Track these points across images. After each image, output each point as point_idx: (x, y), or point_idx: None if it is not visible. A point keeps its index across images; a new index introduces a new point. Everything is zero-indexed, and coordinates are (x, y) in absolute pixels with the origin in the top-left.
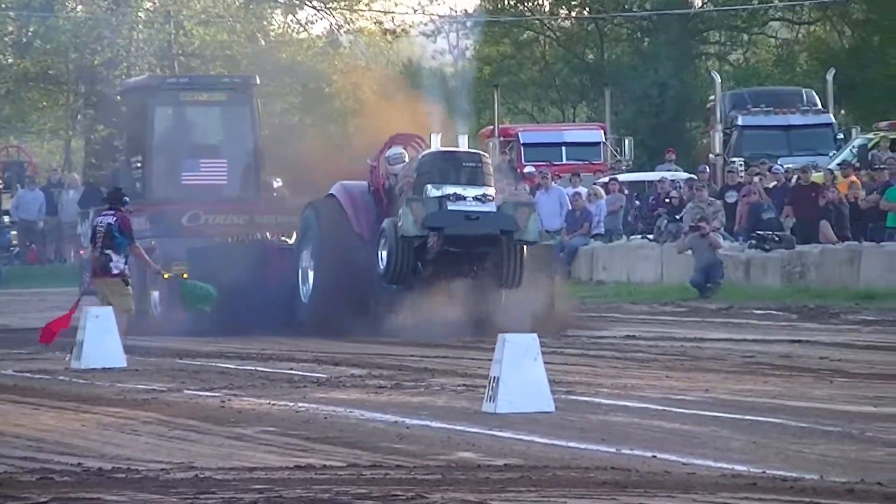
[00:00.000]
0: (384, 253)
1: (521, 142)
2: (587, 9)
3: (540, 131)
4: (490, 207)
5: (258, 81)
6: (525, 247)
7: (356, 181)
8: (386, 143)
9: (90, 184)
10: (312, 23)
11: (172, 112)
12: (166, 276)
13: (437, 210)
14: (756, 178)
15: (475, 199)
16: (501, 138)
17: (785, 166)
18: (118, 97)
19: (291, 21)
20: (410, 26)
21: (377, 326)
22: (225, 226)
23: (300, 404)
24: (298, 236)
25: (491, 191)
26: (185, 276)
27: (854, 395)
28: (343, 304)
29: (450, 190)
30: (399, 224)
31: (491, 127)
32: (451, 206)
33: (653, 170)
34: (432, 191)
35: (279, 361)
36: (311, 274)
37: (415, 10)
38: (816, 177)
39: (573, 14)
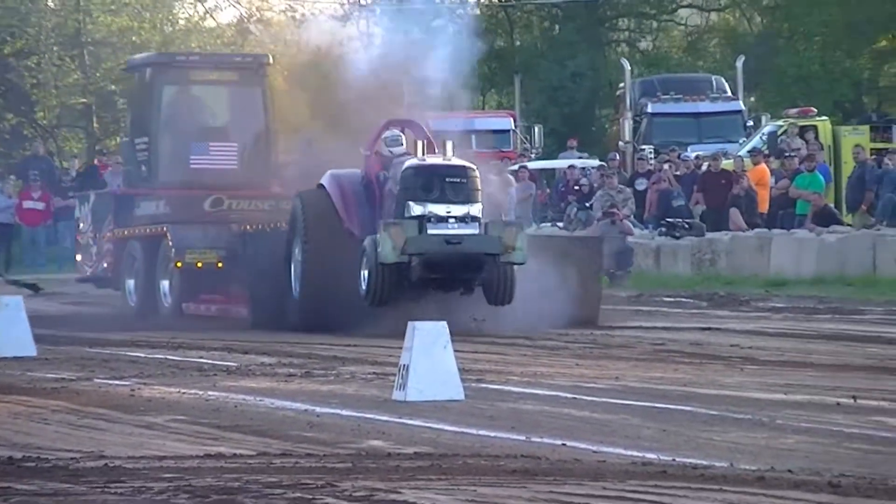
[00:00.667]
0: (365, 273)
1: (433, 129)
2: None
3: (449, 119)
4: (473, 229)
5: (271, 60)
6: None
7: (349, 170)
8: (381, 128)
9: (92, 165)
10: (221, 9)
11: (180, 91)
12: (179, 264)
13: (415, 234)
14: (666, 166)
15: (458, 219)
16: None
17: (695, 154)
18: (124, 73)
19: (199, 10)
20: (321, 12)
21: (371, 326)
22: (249, 211)
23: (210, 393)
24: (287, 228)
25: (477, 208)
26: (200, 264)
27: (764, 383)
28: (331, 305)
29: (432, 209)
30: (378, 249)
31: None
32: (431, 230)
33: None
34: (414, 208)
35: (189, 350)
36: (299, 270)
37: None
38: (726, 164)
39: (483, 1)
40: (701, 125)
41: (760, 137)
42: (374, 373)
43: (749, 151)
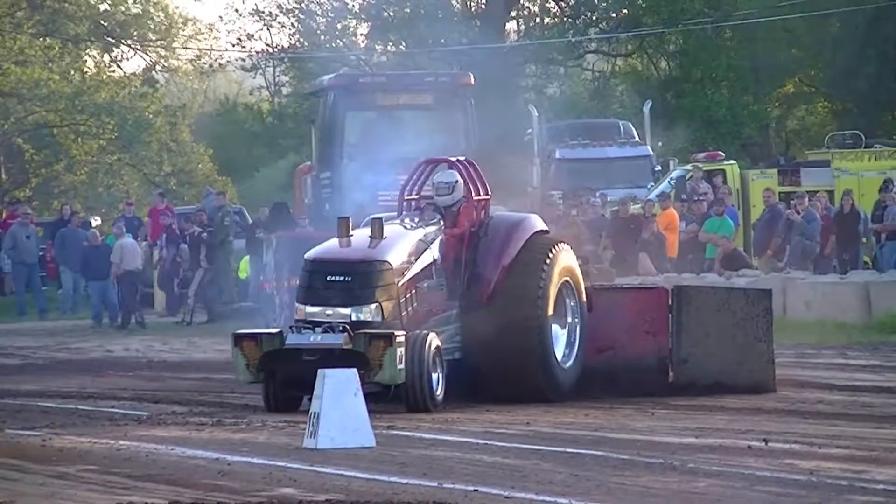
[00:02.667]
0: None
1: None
2: (403, 44)
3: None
4: (336, 340)
5: (473, 81)
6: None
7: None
8: (422, 166)
9: (278, 203)
10: (127, 59)
11: (367, 117)
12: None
13: (272, 348)
14: (574, 212)
15: (328, 328)
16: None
17: (609, 197)
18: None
19: (107, 59)
20: (228, 62)
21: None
22: None
23: (121, 442)
24: None
25: (367, 311)
26: None
27: (675, 427)
28: None
29: (311, 311)
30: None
31: (308, 163)
32: (290, 341)
33: None
34: (298, 310)
35: (100, 400)
36: None
37: (233, 45)
38: (635, 209)
39: (389, 48)
40: (609, 170)
41: (669, 182)
42: (285, 421)
43: (657, 196)
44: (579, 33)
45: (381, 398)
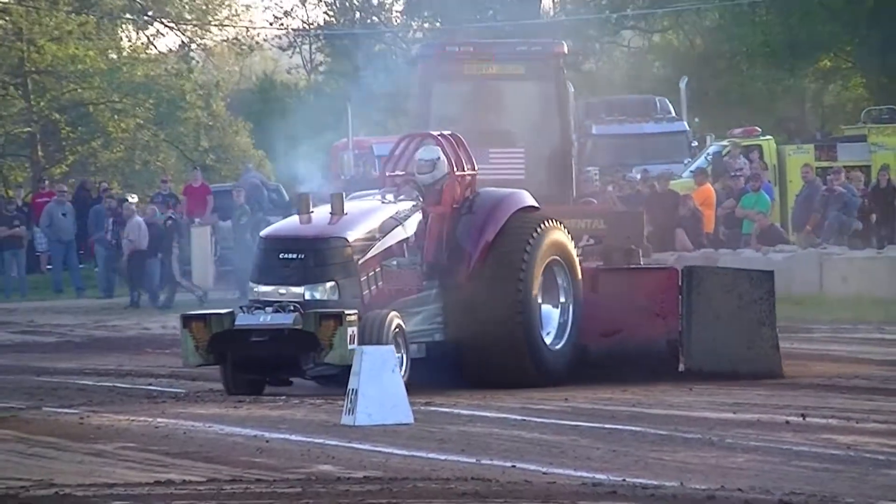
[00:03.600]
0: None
1: (375, 154)
2: (438, 21)
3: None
4: (288, 319)
5: (566, 49)
6: None
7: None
8: (405, 141)
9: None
10: (162, 35)
11: (456, 89)
12: None
13: (221, 329)
14: (610, 187)
15: (279, 307)
16: (356, 150)
17: (641, 173)
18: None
19: (142, 37)
20: (265, 40)
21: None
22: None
23: (159, 420)
24: None
25: (323, 289)
26: None
27: (713, 402)
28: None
29: (263, 290)
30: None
31: (345, 139)
32: (239, 321)
33: None
34: (252, 290)
35: (137, 377)
36: None
37: (270, 24)
38: (673, 184)
39: (425, 26)
40: (645, 146)
41: (705, 157)
42: (322, 397)
43: (693, 172)
44: (616, 9)
45: (334, 380)
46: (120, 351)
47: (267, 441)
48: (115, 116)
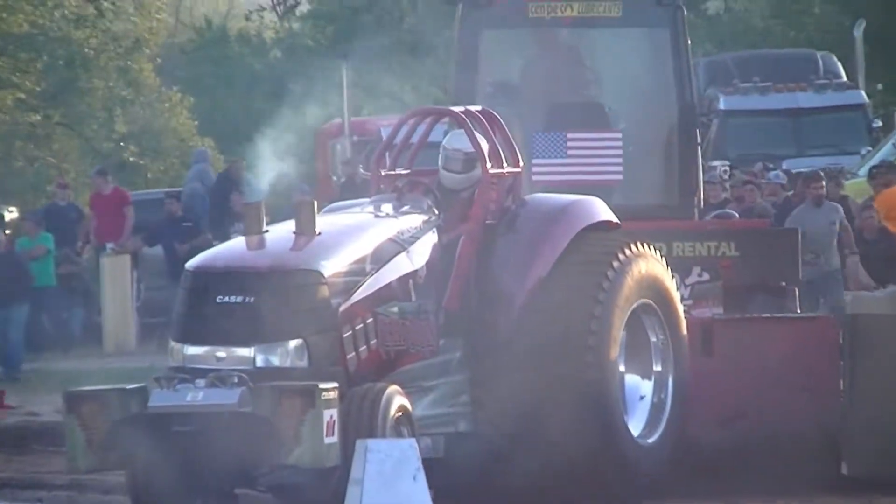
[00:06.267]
0: None
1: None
2: None
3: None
4: (229, 398)
5: None
6: None
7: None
8: (410, 121)
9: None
10: None
11: (513, 40)
12: None
13: (126, 414)
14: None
15: (217, 380)
16: (355, 137)
17: (794, 170)
18: None
19: None
20: None
21: None
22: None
23: None
24: None
25: (284, 351)
26: None
27: None
28: None
29: (193, 352)
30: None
31: (338, 120)
32: (155, 401)
33: None
34: (174, 352)
35: (21, 489)
36: None
37: None
38: (848, 186)
39: None
40: (801, 127)
41: (894, 145)
42: None
43: (874, 168)
44: None
45: (308, 492)
46: None
47: None
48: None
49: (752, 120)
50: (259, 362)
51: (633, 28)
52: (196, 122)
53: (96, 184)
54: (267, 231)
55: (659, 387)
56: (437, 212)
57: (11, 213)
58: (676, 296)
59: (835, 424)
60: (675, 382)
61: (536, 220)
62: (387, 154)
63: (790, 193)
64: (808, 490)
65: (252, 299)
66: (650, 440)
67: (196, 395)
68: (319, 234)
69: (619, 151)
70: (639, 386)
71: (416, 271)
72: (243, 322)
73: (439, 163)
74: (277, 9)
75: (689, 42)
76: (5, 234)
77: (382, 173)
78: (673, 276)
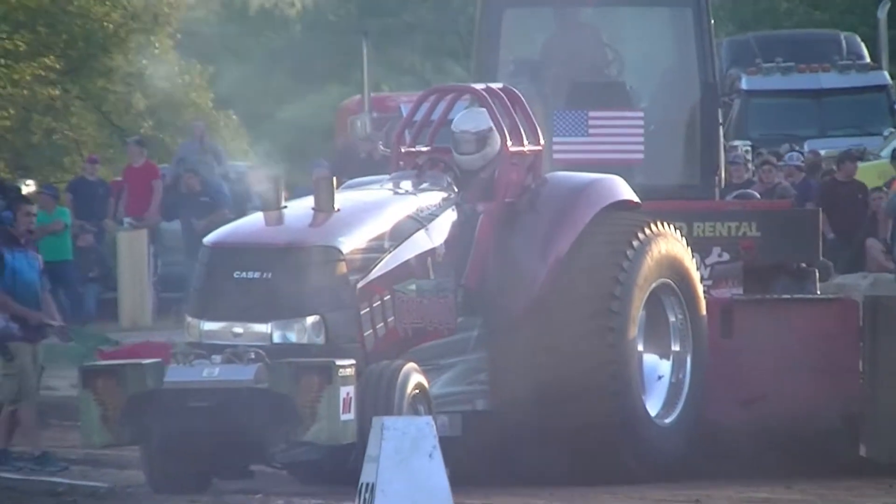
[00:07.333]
0: None
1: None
2: None
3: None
4: (246, 374)
5: None
6: None
7: None
8: (430, 99)
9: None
10: None
11: (535, 17)
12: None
13: (142, 390)
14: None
15: (233, 356)
16: (375, 113)
17: (821, 152)
18: None
19: None
20: None
21: None
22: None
23: None
24: None
25: (301, 328)
26: None
27: None
28: None
29: (209, 328)
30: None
31: (358, 97)
32: (171, 377)
33: None
34: (191, 327)
35: (36, 464)
36: None
37: None
38: (865, 169)
39: None
40: (824, 108)
41: None
42: (319, 497)
43: None
44: None
45: (324, 469)
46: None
47: None
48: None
49: (775, 100)
50: (276, 338)
51: (656, 7)
52: (212, 97)
53: (131, 153)
54: (285, 207)
55: (677, 367)
56: (456, 189)
57: (29, 187)
58: (696, 276)
59: (854, 407)
60: (693, 363)
61: (557, 198)
62: (407, 131)
63: (823, 173)
64: (827, 473)
65: (269, 275)
66: (668, 420)
67: (212, 371)
68: (338, 210)
69: (641, 131)
70: (657, 366)
71: (434, 249)
72: (261, 298)
73: (452, 148)
74: None
75: (712, 22)
76: None
77: (402, 150)
78: (693, 256)
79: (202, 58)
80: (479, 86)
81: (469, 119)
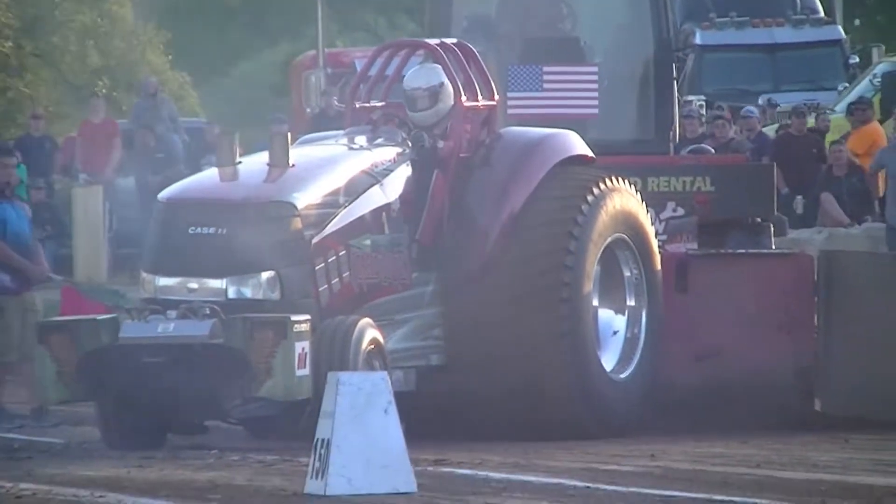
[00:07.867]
0: None
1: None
2: None
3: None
4: (201, 329)
5: None
6: None
7: None
8: (384, 54)
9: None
10: None
11: None
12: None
13: (96, 345)
14: (723, 125)
15: (188, 311)
16: (330, 69)
17: (764, 106)
18: None
19: None
20: None
21: None
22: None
23: (23, 486)
24: None
25: (257, 283)
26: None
27: (878, 462)
28: None
29: (165, 283)
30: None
31: (313, 52)
32: (126, 332)
33: None
34: (146, 283)
35: None
36: None
37: None
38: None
39: None
40: (778, 63)
41: (871, 82)
42: (275, 452)
43: (853, 104)
44: None
45: (280, 424)
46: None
47: None
48: None
49: (729, 55)
50: (231, 294)
51: None
52: (169, 58)
53: (93, 107)
54: (240, 162)
55: (632, 322)
56: (410, 145)
57: None
58: (651, 231)
59: (809, 361)
60: (648, 318)
61: (511, 153)
62: (361, 86)
63: (776, 127)
64: (782, 427)
65: (224, 231)
66: (623, 375)
67: (167, 327)
68: (293, 165)
69: (595, 86)
70: (612, 321)
71: (389, 204)
72: (215, 253)
73: (406, 107)
74: None
75: None
76: None
77: (357, 105)
78: (648, 211)
79: (156, 15)
80: (434, 41)
81: (420, 76)
